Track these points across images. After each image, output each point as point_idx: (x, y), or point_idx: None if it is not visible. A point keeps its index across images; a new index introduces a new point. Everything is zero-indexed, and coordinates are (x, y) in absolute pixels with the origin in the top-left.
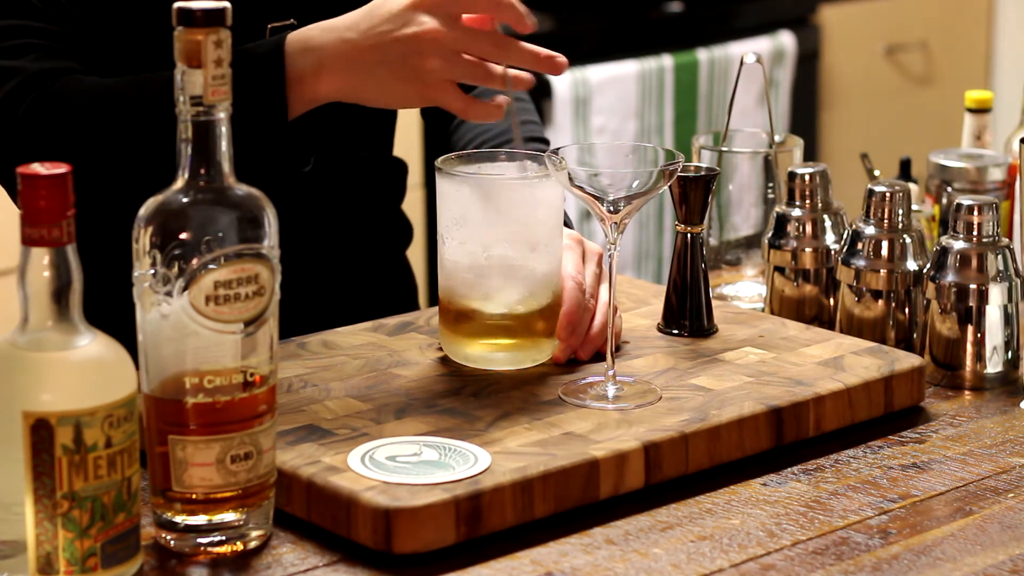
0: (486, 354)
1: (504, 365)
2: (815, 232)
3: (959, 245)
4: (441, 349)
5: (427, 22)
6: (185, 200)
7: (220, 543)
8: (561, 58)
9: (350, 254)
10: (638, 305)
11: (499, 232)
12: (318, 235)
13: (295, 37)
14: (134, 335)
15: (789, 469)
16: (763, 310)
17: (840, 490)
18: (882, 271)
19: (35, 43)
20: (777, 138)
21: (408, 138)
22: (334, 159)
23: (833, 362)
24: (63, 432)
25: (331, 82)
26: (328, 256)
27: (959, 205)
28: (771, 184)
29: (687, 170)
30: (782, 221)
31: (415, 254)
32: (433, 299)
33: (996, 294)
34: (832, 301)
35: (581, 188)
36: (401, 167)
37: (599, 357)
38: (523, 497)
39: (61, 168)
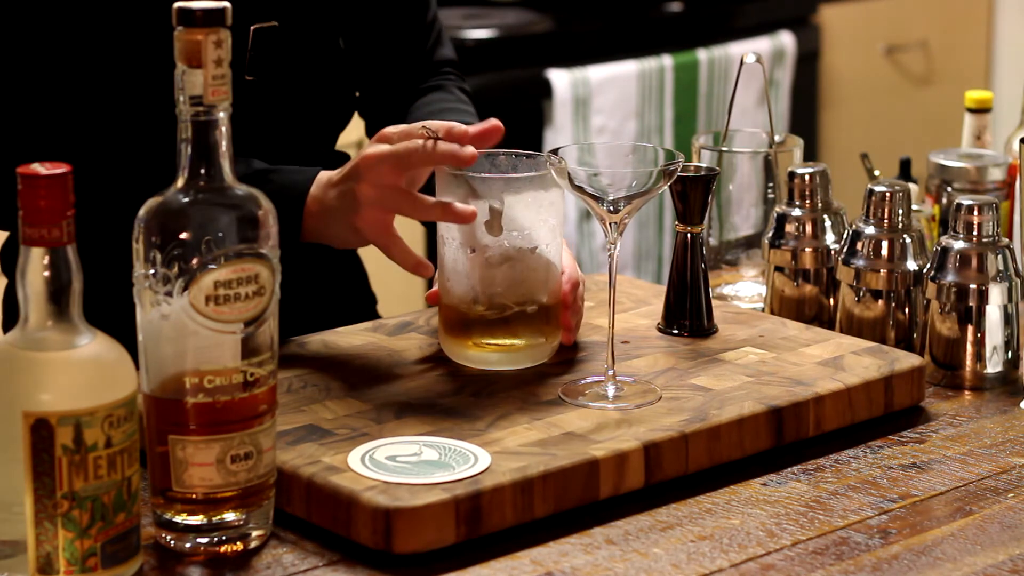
0: (485, 355)
1: (504, 365)
2: (815, 232)
3: (959, 245)
4: (442, 349)
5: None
6: (185, 200)
7: (220, 543)
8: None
9: (350, 253)
10: (638, 305)
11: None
12: None
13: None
14: (134, 335)
15: (789, 469)
16: (763, 310)
17: (840, 490)
18: (882, 271)
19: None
20: (777, 138)
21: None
22: (332, 155)
23: (833, 362)
24: (63, 432)
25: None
26: (328, 256)
27: (959, 205)
28: (771, 184)
29: (687, 170)
30: (782, 221)
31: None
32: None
33: (996, 294)
34: (832, 301)
35: (581, 188)
36: (345, 160)
37: (598, 357)
38: (523, 497)
39: (61, 168)
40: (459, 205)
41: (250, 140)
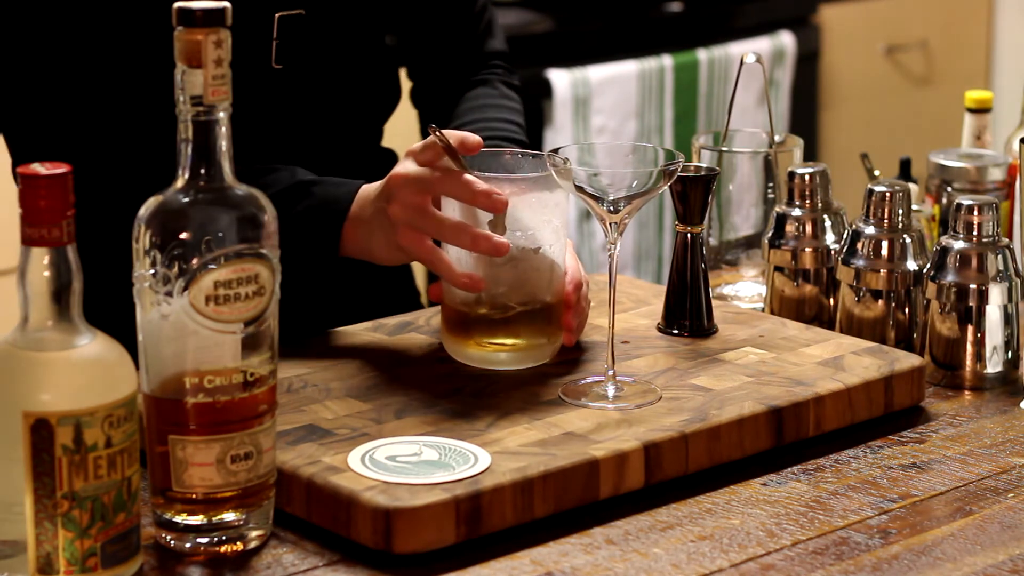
0: (487, 354)
1: (505, 365)
2: (815, 232)
3: (959, 245)
4: (442, 349)
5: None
6: (185, 200)
7: (220, 543)
8: (500, 196)
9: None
10: (638, 305)
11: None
12: None
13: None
14: (134, 335)
15: (789, 469)
16: (763, 310)
17: (840, 490)
18: (882, 271)
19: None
20: (777, 138)
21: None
22: (333, 156)
23: (833, 362)
24: (63, 432)
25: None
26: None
27: (959, 205)
28: (771, 184)
29: (687, 170)
30: (782, 221)
31: None
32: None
33: (996, 294)
34: (832, 301)
35: (581, 188)
36: (393, 159)
37: (599, 357)
38: (523, 497)
39: (61, 168)
40: (496, 237)
41: (288, 132)
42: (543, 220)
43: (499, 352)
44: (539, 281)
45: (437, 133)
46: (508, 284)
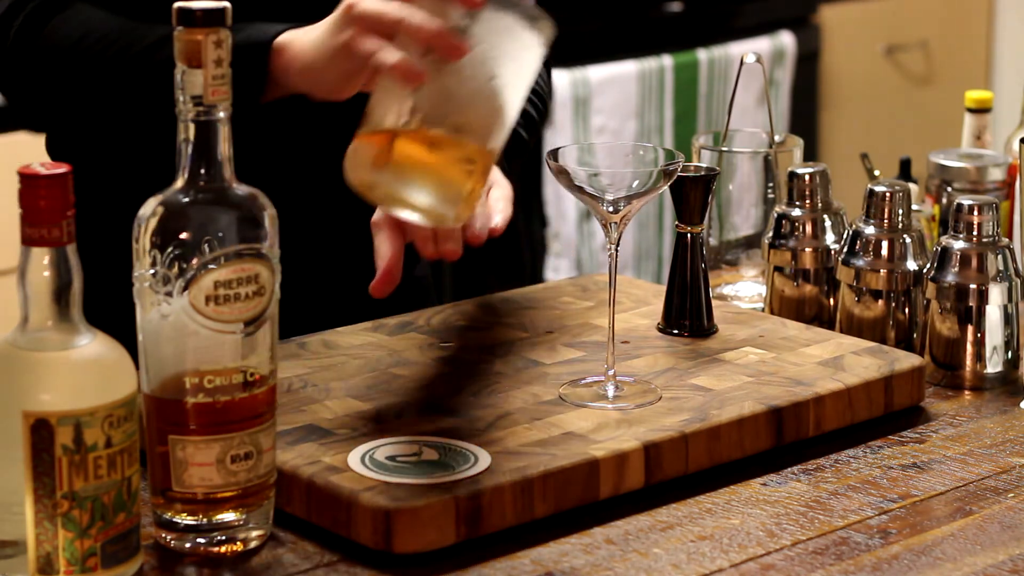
0: (391, 177)
1: (409, 196)
2: (815, 232)
3: (959, 245)
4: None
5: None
6: (185, 200)
7: (220, 543)
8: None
9: (351, 253)
10: (638, 305)
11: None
12: (319, 234)
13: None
14: (134, 335)
15: (789, 469)
16: (763, 310)
17: (840, 490)
18: (882, 271)
19: None
20: (777, 138)
21: None
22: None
23: (833, 362)
24: (63, 432)
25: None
26: (328, 256)
27: (959, 205)
28: (771, 184)
29: (687, 170)
30: (782, 221)
31: None
32: (435, 299)
33: (996, 294)
34: (832, 301)
35: (581, 188)
36: None
37: (598, 357)
38: (523, 497)
39: (61, 168)
40: (456, 38)
41: (300, 127)
42: (510, 54)
43: (406, 172)
44: (478, 111)
45: None
46: (446, 99)
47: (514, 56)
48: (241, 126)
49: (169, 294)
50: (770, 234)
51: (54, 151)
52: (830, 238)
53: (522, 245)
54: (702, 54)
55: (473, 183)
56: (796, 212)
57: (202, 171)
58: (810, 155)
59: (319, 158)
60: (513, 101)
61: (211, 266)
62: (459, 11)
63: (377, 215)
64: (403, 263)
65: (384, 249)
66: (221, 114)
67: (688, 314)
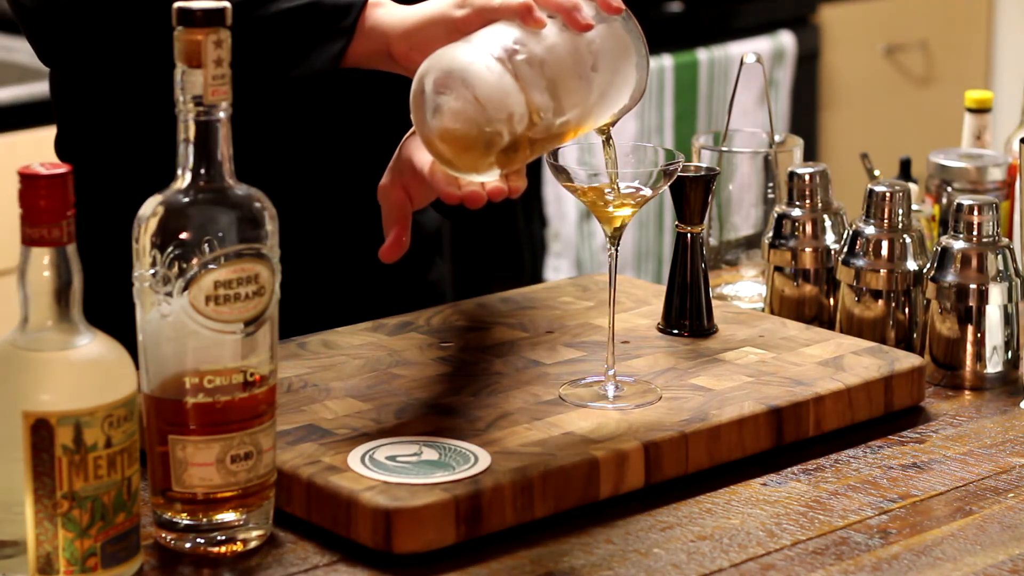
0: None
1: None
2: (815, 232)
3: (959, 245)
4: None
5: None
6: (185, 200)
7: (220, 543)
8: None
9: (351, 253)
10: (638, 305)
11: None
12: (319, 234)
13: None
14: (134, 335)
15: (789, 469)
16: (763, 310)
17: (840, 490)
18: (882, 271)
19: None
20: (777, 138)
21: None
22: (334, 157)
23: (833, 362)
24: (63, 432)
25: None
26: (328, 256)
27: (959, 205)
28: (771, 184)
29: (687, 170)
30: (782, 221)
31: None
32: (436, 300)
33: (996, 294)
34: (832, 301)
35: (581, 188)
36: None
37: (598, 357)
38: (523, 497)
39: (61, 168)
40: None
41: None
42: (615, 68)
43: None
44: (567, 87)
45: None
46: (547, 55)
47: (616, 72)
48: (290, 98)
49: (169, 294)
50: (770, 234)
51: (63, 149)
52: (830, 238)
53: (522, 245)
54: (702, 54)
55: (515, 139)
56: (796, 212)
57: (202, 171)
58: (810, 155)
59: (320, 158)
60: (593, 105)
61: (211, 266)
62: (594, 9)
63: (385, 179)
64: (417, 266)
65: (392, 215)
66: (221, 114)
67: (688, 314)
